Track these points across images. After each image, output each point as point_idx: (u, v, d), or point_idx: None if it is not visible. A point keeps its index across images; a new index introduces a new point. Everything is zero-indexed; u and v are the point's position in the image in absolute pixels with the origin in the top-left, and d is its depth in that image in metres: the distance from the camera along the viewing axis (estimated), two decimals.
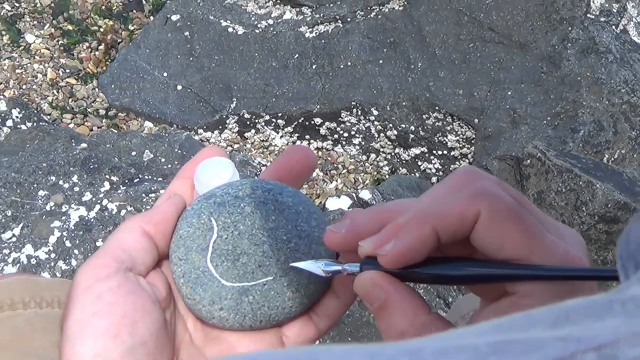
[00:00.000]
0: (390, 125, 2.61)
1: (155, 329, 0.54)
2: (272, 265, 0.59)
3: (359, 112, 2.64)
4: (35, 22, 3.06)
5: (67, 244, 2.03)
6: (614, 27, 2.72)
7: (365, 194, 2.05)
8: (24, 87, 2.87)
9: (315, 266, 0.57)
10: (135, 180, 2.19)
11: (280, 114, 2.69)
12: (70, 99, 2.87)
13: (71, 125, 2.76)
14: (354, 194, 2.06)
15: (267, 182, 0.62)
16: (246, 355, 0.29)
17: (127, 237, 0.57)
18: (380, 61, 2.68)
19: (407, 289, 0.53)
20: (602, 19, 2.72)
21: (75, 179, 2.17)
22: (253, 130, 2.74)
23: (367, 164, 2.70)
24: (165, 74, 2.82)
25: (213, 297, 0.58)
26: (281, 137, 2.74)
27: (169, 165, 2.30)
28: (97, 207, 2.10)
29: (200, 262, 0.59)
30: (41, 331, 0.72)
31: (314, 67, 2.72)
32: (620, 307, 0.26)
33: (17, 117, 2.61)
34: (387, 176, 2.62)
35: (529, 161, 2.16)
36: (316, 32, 2.78)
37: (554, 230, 0.51)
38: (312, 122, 2.68)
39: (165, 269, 0.61)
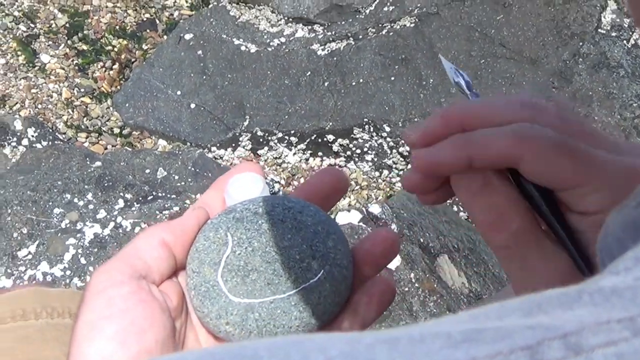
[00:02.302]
0: (403, 141, 2.62)
1: (162, 337, 0.54)
2: (282, 283, 0.59)
3: (371, 128, 2.65)
4: (50, 43, 3.09)
5: (82, 260, 2.05)
6: (625, 41, 2.72)
7: (375, 208, 2.06)
8: (39, 106, 2.90)
9: (453, 70, 0.65)
10: (149, 198, 2.21)
11: (292, 131, 2.70)
12: (85, 118, 2.89)
13: (86, 144, 2.78)
14: (364, 209, 2.06)
15: (290, 200, 0.62)
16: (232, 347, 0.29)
17: (144, 244, 0.58)
18: (392, 78, 2.69)
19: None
20: (613, 34, 2.72)
21: (89, 196, 2.19)
22: (266, 148, 2.75)
23: (379, 180, 2.71)
24: (178, 93, 2.84)
25: (220, 312, 0.59)
26: (294, 154, 2.75)
27: (183, 183, 2.31)
28: (112, 224, 2.12)
29: (211, 276, 0.59)
30: (52, 340, 0.73)
31: (326, 84, 2.74)
32: (588, 298, 0.28)
33: (32, 136, 2.64)
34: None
35: None
36: (328, 50, 2.80)
37: (613, 147, 0.53)
38: (325, 139, 2.69)
39: (182, 279, 0.61)
